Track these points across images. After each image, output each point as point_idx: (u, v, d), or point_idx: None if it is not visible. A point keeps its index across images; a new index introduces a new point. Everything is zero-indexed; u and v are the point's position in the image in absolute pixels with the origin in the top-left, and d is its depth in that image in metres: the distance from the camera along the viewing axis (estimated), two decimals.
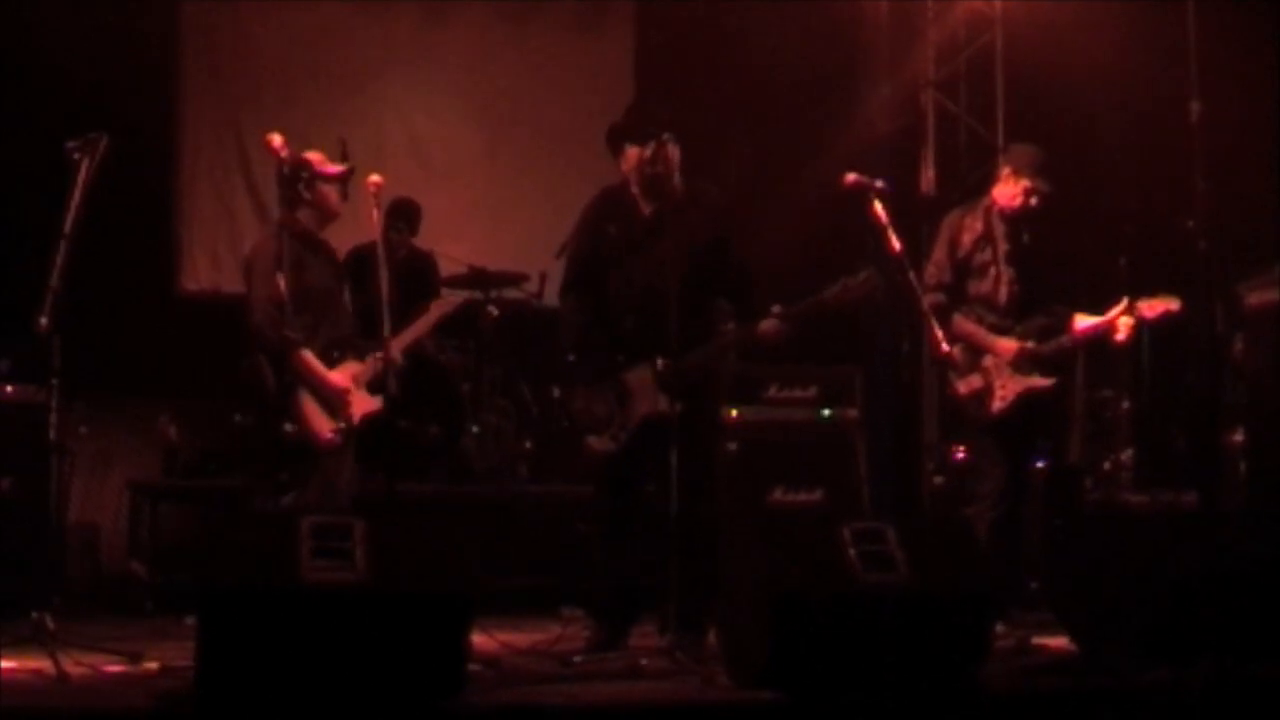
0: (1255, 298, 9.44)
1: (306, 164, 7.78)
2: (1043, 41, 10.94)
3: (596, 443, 7.36)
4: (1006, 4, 11.48)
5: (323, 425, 7.61)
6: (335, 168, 7.79)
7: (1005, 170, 8.17)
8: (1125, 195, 11.05)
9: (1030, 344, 8.02)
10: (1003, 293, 8.13)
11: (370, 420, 7.70)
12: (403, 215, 10.76)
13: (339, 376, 7.67)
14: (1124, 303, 8.01)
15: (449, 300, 8.50)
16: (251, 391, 7.80)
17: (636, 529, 7.40)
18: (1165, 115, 9.63)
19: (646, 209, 7.42)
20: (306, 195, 7.77)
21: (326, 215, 7.85)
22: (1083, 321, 8.09)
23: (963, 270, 8.16)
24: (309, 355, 7.60)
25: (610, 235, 7.44)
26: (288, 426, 7.55)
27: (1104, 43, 10.53)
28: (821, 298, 7.18)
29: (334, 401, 7.64)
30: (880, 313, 10.59)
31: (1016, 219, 8.13)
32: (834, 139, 11.32)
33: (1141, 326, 8.12)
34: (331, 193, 7.80)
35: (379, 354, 7.49)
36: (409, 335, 8.06)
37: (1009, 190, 8.11)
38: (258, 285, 7.63)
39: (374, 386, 7.67)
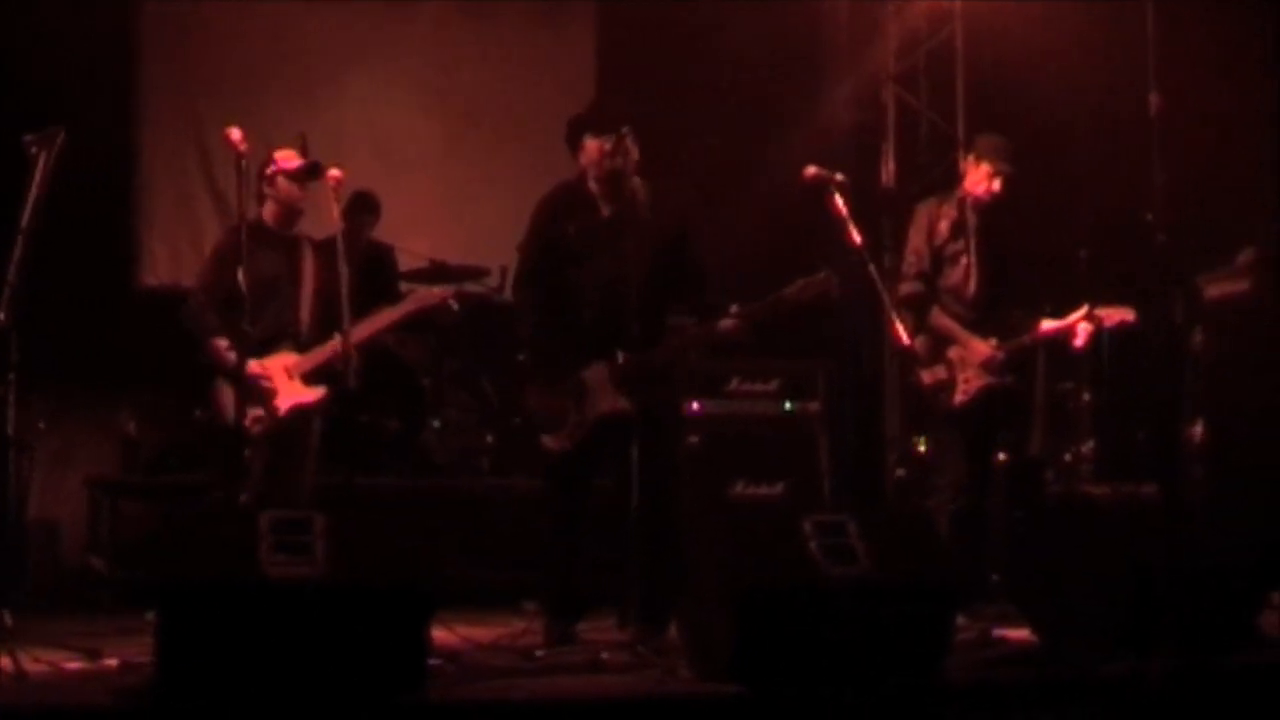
0: (1214, 290, 9.49)
1: (268, 160, 7.88)
2: (1003, 35, 10.95)
3: (550, 441, 7.36)
4: None
5: (239, 414, 7.56)
6: (295, 162, 7.82)
7: (969, 158, 8.30)
8: (1084, 188, 11.07)
9: (1002, 351, 8.06)
10: (971, 285, 8.17)
11: (300, 412, 7.72)
12: (369, 208, 10.79)
13: (256, 366, 7.65)
14: (1084, 309, 8.10)
15: (424, 295, 8.21)
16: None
17: (587, 527, 7.42)
18: (1124, 108, 9.65)
19: (605, 208, 7.41)
20: (268, 191, 7.89)
21: (290, 210, 7.91)
22: (1044, 324, 8.16)
23: (937, 259, 8.21)
24: (221, 344, 7.65)
25: (568, 234, 7.43)
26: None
27: (1063, 36, 10.55)
28: (779, 296, 7.20)
29: (252, 391, 7.60)
30: (842, 306, 10.61)
31: (987, 210, 8.19)
32: (795, 133, 11.31)
33: (1100, 332, 8.20)
34: (293, 188, 7.88)
35: (322, 347, 7.49)
36: (370, 326, 7.96)
37: (975, 177, 8.21)
38: (199, 277, 7.88)
39: (314, 378, 7.67)
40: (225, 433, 7.62)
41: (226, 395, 7.62)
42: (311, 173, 7.81)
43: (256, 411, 7.63)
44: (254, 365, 7.61)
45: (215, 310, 7.71)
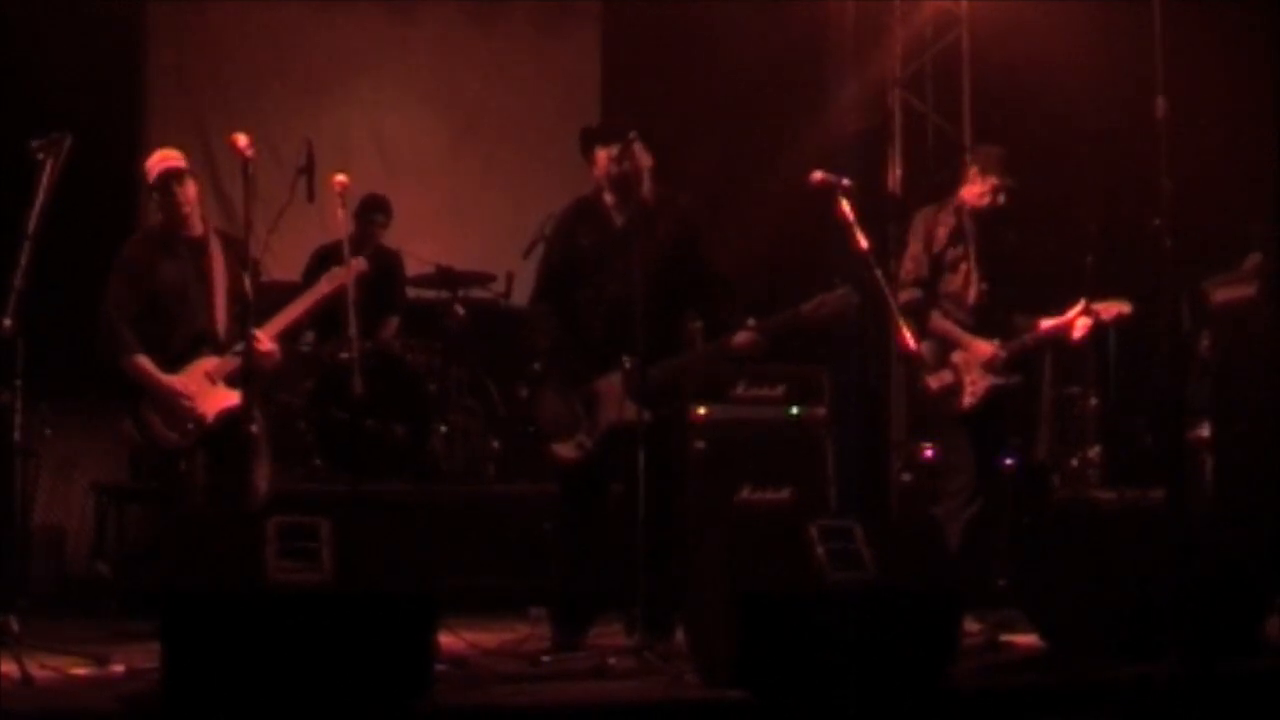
0: (1221, 295, 9.49)
1: (146, 171, 7.87)
2: (1009, 40, 10.95)
3: (561, 449, 7.35)
4: (972, 3, 11.49)
5: (165, 429, 7.62)
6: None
7: (973, 169, 8.21)
8: (1091, 193, 11.06)
9: (1005, 350, 8.04)
10: (972, 291, 8.15)
11: (230, 415, 7.56)
12: (380, 208, 10.78)
13: (179, 380, 7.64)
14: (1081, 304, 8.07)
15: (335, 274, 7.83)
16: None
17: (599, 534, 7.40)
18: (1131, 113, 9.64)
19: (619, 219, 7.40)
20: (156, 200, 7.86)
21: (180, 211, 7.82)
22: (1043, 322, 8.14)
23: (936, 266, 8.18)
24: (142, 360, 7.63)
25: (583, 246, 7.43)
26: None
27: (1070, 40, 10.55)
28: (797, 311, 7.18)
29: (174, 404, 7.62)
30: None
31: (986, 218, 8.16)
32: (801, 138, 11.31)
33: (1098, 327, 8.18)
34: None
35: (240, 348, 7.38)
36: (285, 318, 7.87)
37: (977, 189, 8.15)
38: (107, 292, 7.74)
39: (236, 379, 7.52)
40: (157, 449, 7.65)
41: (150, 410, 7.64)
42: (180, 174, 7.80)
43: (184, 426, 7.62)
44: (175, 383, 7.63)
45: (129, 326, 7.67)
